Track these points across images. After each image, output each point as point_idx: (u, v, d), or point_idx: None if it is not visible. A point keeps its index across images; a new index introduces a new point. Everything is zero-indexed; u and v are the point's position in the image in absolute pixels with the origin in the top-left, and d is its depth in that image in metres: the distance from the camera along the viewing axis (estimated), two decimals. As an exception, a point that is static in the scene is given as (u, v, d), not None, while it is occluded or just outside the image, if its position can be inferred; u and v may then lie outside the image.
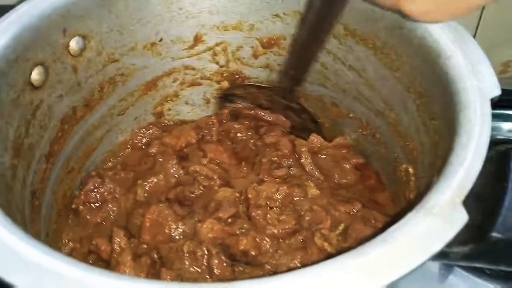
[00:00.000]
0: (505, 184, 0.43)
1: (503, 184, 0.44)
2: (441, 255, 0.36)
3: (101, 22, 0.62)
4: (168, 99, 0.77)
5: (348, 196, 0.66)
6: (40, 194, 0.58)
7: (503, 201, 0.43)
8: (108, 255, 0.58)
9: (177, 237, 0.61)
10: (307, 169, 0.68)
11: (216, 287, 0.35)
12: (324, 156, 0.71)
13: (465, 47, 0.50)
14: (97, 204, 0.66)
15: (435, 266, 0.74)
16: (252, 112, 0.76)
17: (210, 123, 0.75)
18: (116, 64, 0.67)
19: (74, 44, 0.59)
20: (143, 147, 0.75)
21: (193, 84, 0.77)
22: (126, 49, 0.67)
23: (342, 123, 0.73)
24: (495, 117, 0.44)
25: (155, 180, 0.67)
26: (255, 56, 0.74)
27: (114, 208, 0.66)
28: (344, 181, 0.68)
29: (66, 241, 0.64)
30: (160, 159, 0.69)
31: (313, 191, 0.64)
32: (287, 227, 0.60)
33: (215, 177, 0.66)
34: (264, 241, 0.59)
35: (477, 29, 0.84)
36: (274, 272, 0.57)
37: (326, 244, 0.58)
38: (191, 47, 0.73)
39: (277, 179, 0.66)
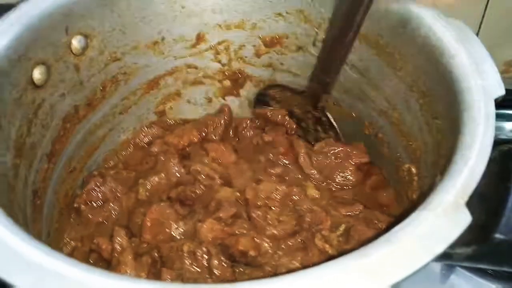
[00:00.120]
0: (509, 185, 0.43)
1: (506, 184, 0.43)
2: (444, 256, 0.36)
3: (103, 21, 0.62)
4: (170, 98, 0.77)
5: (349, 198, 0.66)
6: (42, 193, 0.58)
7: (507, 201, 0.42)
8: (109, 254, 0.58)
9: (177, 237, 0.61)
10: (305, 171, 0.68)
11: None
12: (326, 154, 0.70)
13: (469, 46, 0.50)
14: (98, 203, 0.66)
15: (437, 266, 0.74)
16: (285, 123, 0.75)
17: (215, 122, 0.75)
18: (118, 63, 0.66)
19: (76, 43, 0.59)
20: (145, 146, 0.75)
21: (195, 83, 0.77)
22: (129, 48, 0.67)
23: (344, 123, 0.72)
24: (497, 117, 0.44)
25: (157, 179, 0.67)
26: (258, 55, 0.74)
27: (116, 207, 0.66)
28: (345, 182, 0.68)
29: (68, 240, 0.63)
30: (162, 158, 0.69)
31: (312, 191, 0.64)
32: (287, 227, 0.60)
33: (216, 176, 0.66)
34: (264, 242, 0.58)
35: (480, 28, 0.84)
36: (274, 274, 0.57)
37: (327, 245, 0.58)
38: (194, 46, 0.72)
39: (273, 178, 0.66)
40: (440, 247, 0.36)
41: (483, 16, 0.83)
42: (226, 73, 0.77)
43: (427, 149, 0.55)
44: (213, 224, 0.58)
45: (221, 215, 0.60)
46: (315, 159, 0.69)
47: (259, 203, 0.62)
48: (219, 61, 0.75)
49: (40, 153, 0.57)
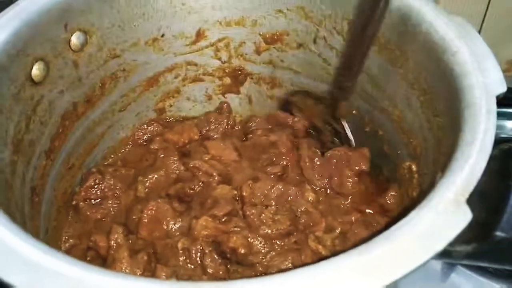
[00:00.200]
0: (509, 183, 0.43)
1: (507, 182, 0.43)
2: (444, 254, 0.36)
3: (103, 17, 0.61)
4: (170, 95, 0.76)
5: (346, 205, 0.64)
6: (40, 190, 0.58)
7: (507, 199, 0.42)
8: (106, 252, 0.58)
9: (173, 234, 0.60)
10: (305, 173, 0.67)
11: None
12: (327, 158, 0.68)
13: (471, 43, 0.49)
14: (97, 201, 0.66)
15: (437, 264, 0.74)
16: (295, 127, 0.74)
17: (216, 120, 0.75)
18: (117, 60, 0.66)
19: (75, 39, 0.59)
20: (144, 143, 0.75)
21: (195, 80, 0.76)
22: (128, 45, 0.66)
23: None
24: (498, 115, 0.44)
25: (156, 176, 0.67)
26: (258, 52, 0.74)
27: (115, 205, 0.66)
28: (344, 188, 0.66)
29: (66, 237, 0.63)
30: (162, 156, 0.69)
31: (310, 194, 0.64)
32: (282, 227, 0.59)
33: (214, 173, 0.66)
34: (257, 241, 0.58)
35: (481, 26, 0.83)
36: (264, 273, 0.56)
37: (320, 246, 0.57)
38: (193, 42, 0.72)
39: (272, 176, 0.66)
40: (440, 245, 0.35)
41: (484, 15, 0.82)
42: (226, 70, 0.76)
43: (428, 146, 0.55)
44: (208, 221, 0.58)
45: (216, 212, 0.60)
46: (317, 163, 0.68)
47: (255, 201, 0.62)
48: (219, 58, 0.75)
49: (39, 150, 0.57)
